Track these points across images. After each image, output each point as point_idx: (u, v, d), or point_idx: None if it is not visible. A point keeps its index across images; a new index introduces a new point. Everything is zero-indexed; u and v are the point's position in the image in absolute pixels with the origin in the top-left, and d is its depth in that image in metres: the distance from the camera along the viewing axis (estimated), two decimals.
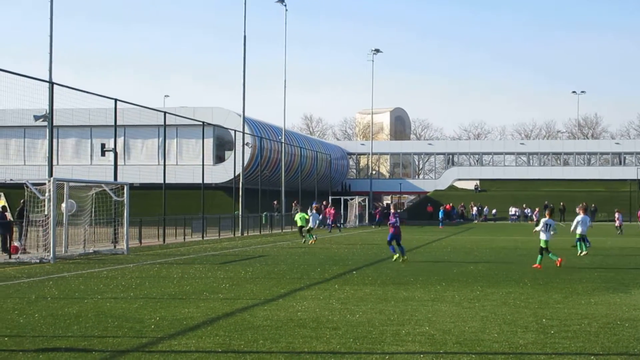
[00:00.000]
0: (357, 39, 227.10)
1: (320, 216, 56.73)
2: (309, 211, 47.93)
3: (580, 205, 36.43)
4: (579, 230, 33.42)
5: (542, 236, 28.31)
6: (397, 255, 30.23)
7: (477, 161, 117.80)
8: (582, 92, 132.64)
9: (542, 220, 28.91)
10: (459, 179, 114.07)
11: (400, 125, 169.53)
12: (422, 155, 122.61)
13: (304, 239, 44.60)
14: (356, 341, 12.58)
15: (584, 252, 32.80)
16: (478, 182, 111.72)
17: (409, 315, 15.47)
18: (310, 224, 45.57)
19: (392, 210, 33.28)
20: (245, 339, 12.73)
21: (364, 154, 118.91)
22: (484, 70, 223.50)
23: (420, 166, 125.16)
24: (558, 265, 27.43)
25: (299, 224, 46.04)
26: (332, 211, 64.21)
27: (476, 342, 12.53)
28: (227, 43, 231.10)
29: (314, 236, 44.62)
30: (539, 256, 28.05)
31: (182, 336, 12.98)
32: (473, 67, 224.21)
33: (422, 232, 61.80)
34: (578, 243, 33.43)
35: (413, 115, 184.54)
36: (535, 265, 27.54)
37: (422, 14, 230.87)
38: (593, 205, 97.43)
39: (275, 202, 65.76)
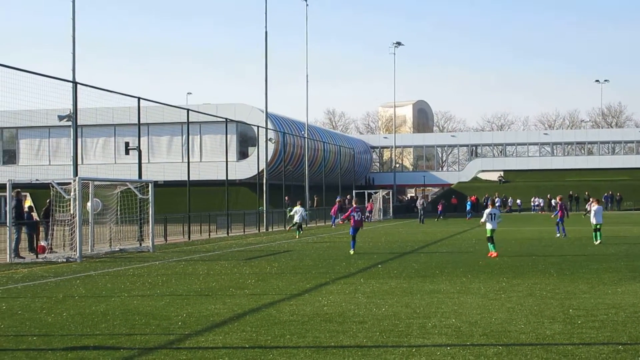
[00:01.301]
0: (379, 32, 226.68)
1: (337, 218, 57.71)
2: (298, 206, 47.56)
3: (593, 198, 38.51)
4: (593, 221, 35.53)
5: (488, 226, 29.18)
6: (353, 251, 31.03)
7: (500, 152, 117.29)
8: (606, 80, 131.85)
9: (486, 211, 29.76)
10: (483, 171, 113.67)
11: (423, 118, 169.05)
12: (446, 148, 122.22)
13: (298, 234, 45.44)
14: (382, 335, 12.59)
15: (597, 241, 34.84)
16: (502, 173, 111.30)
17: (435, 307, 15.47)
18: (296, 219, 45.92)
19: (353, 205, 33.57)
20: (271, 334, 12.77)
21: (387, 147, 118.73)
22: (506, 61, 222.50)
23: (444, 158, 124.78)
24: (490, 256, 28.03)
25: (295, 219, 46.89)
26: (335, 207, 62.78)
27: (503, 334, 12.51)
28: (249, 39, 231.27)
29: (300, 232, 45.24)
30: (490, 245, 28.84)
31: (209, 332, 13.04)
32: (495, 58, 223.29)
33: (446, 224, 61.70)
34: (594, 233, 35.59)
35: (435, 107, 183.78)
36: (490, 254, 28.37)
37: (442, 6, 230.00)
38: (618, 194, 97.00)
39: (286, 198, 65.56)
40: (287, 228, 47.87)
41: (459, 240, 39.93)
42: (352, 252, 30.97)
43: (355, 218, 31.51)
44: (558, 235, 41.14)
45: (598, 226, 35.39)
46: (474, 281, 20.20)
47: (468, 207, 79.94)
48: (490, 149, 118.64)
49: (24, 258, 30.12)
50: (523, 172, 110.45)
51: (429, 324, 13.50)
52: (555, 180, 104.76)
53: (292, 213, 47.53)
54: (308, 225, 62.74)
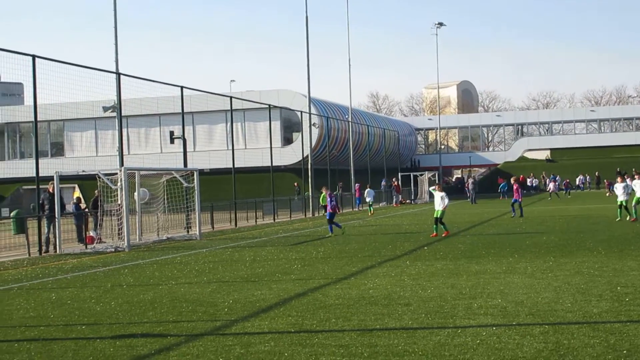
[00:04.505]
0: (420, 13, 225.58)
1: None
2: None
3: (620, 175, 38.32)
4: (620, 198, 35.34)
5: (437, 207, 30.62)
6: (332, 234, 33.50)
7: (547, 131, 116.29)
8: None
9: (437, 194, 31.20)
10: (529, 149, 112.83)
11: (468, 98, 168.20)
12: (491, 128, 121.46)
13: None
14: (428, 316, 12.57)
15: (618, 219, 35.01)
16: (549, 152, 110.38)
17: (481, 288, 15.41)
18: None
19: (325, 191, 36.68)
20: (317, 318, 12.80)
21: (432, 129, 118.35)
22: (551, 38, 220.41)
23: (490, 138, 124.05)
24: (444, 235, 29.63)
25: (323, 203, 47.73)
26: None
27: (549, 313, 12.42)
28: (290, 25, 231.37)
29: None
30: (434, 226, 30.48)
31: (255, 318, 13.11)
32: (539, 35, 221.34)
33: (492, 205, 61.33)
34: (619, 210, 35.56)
35: (480, 87, 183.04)
36: (433, 235, 30.06)
37: None
38: None
39: (340, 183, 65.66)
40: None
41: (505, 220, 39.70)
42: (329, 235, 33.32)
43: (333, 204, 34.77)
44: (513, 215, 41.42)
45: (624, 203, 35.23)
46: (520, 261, 20.09)
47: (503, 188, 77.63)
48: (537, 128, 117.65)
49: (49, 251, 29.91)
50: (570, 150, 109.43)
51: (475, 305, 13.45)
52: (603, 157, 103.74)
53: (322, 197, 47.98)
54: (353, 210, 62.76)
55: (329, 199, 35.25)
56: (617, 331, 10.87)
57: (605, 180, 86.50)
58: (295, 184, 68.14)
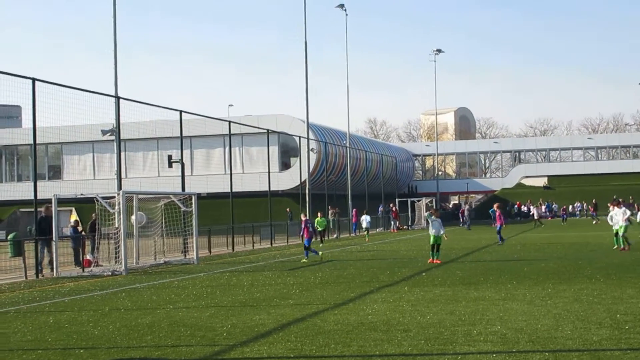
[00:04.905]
0: (418, 40, 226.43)
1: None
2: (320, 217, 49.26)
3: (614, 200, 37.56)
4: (615, 226, 34.62)
5: (433, 232, 30.50)
6: (306, 259, 33.70)
7: (544, 158, 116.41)
8: None
9: (434, 220, 31.00)
10: (527, 176, 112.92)
11: (465, 125, 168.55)
12: (488, 154, 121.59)
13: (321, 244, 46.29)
14: (427, 342, 12.54)
15: (615, 246, 34.48)
16: (546, 179, 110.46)
17: (480, 315, 15.38)
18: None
19: (303, 218, 36.60)
20: (316, 344, 12.76)
21: (429, 155, 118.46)
22: (548, 65, 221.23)
23: (487, 165, 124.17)
24: (435, 262, 29.46)
25: (320, 228, 48.37)
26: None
27: (549, 340, 12.40)
28: (289, 50, 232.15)
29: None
30: (431, 252, 30.32)
31: (254, 343, 13.06)
32: (537, 63, 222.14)
33: (488, 231, 61.26)
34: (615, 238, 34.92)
35: (477, 114, 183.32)
36: (430, 261, 29.95)
37: (482, 14, 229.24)
38: None
39: (336, 208, 65.53)
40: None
41: (503, 247, 39.64)
42: (305, 260, 33.65)
43: (309, 229, 35.25)
44: (500, 243, 41.12)
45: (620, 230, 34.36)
46: (519, 287, 20.05)
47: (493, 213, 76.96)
48: (534, 155, 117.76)
49: (44, 275, 29.59)
50: (568, 177, 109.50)
51: (474, 331, 13.41)
52: (600, 184, 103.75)
53: (318, 222, 48.36)
54: (351, 235, 62.68)
55: (303, 225, 35.71)
56: (618, 359, 10.84)
57: (590, 207, 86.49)
58: (288, 209, 68.02)
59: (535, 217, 72.04)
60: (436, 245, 30.30)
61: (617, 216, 34.47)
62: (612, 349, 11.62)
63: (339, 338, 13.20)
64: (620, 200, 37.95)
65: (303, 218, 36.86)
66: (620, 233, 34.10)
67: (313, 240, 38.33)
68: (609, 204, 36.57)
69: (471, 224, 69.26)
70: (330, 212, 61.52)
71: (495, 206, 43.53)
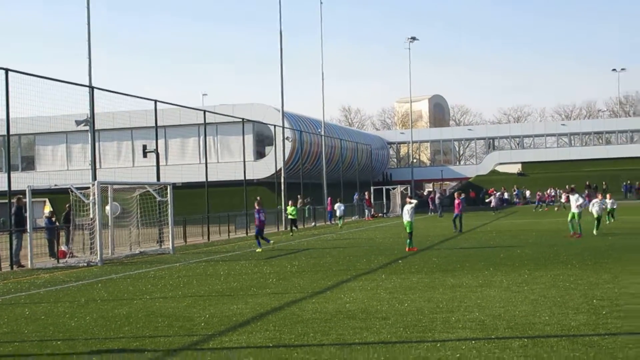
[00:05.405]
0: (393, 28, 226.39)
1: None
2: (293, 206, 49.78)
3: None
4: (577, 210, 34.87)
5: (407, 218, 30.56)
6: (261, 249, 33.58)
7: (518, 144, 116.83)
8: (622, 69, 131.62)
9: (405, 207, 31.28)
10: (501, 163, 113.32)
11: (439, 112, 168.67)
12: (463, 141, 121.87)
13: (291, 234, 46.85)
14: (406, 330, 12.55)
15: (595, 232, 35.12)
16: (520, 165, 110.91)
17: (458, 302, 15.42)
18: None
19: (256, 207, 35.33)
20: (295, 332, 12.75)
21: (404, 142, 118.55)
22: (521, 52, 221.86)
23: (461, 152, 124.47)
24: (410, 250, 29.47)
25: (290, 217, 48.80)
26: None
27: (527, 326, 12.44)
28: (264, 39, 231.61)
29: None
30: (408, 240, 30.30)
31: (232, 332, 13.03)
32: (510, 49, 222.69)
33: (465, 217, 61.40)
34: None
35: (451, 101, 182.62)
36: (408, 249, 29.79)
37: (456, 1, 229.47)
38: (638, 183, 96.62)
39: (308, 198, 65.26)
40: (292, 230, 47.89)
41: (478, 233, 39.80)
42: (259, 250, 33.43)
43: (261, 219, 34.62)
44: (454, 230, 41.19)
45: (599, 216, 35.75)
46: (496, 274, 20.13)
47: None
48: (508, 142, 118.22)
49: (24, 266, 29.41)
50: (541, 163, 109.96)
51: (453, 318, 13.45)
52: (573, 170, 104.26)
53: (289, 211, 48.72)
54: (326, 223, 62.69)
55: (256, 214, 34.91)
56: (596, 344, 10.90)
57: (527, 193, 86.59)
58: (258, 197, 67.84)
59: (492, 205, 70.63)
60: (257, 236, 31.22)
61: (571, 203, 35.10)
62: (590, 334, 11.68)
63: (317, 327, 13.19)
64: (573, 187, 38.61)
65: (257, 207, 35.44)
66: (576, 220, 34.67)
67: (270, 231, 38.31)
68: (562, 192, 37.22)
69: (443, 211, 69.35)
70: (299, 201, 61.49)
71: (455, 194, 43.82)
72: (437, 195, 75.67)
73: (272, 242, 35.14)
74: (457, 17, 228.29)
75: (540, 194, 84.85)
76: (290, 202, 50.38)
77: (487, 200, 74.41)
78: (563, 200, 35.98)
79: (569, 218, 35.03)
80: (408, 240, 30.31)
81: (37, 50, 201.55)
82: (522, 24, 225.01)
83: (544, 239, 33.20)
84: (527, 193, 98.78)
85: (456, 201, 42.30)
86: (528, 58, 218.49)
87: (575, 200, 34.75)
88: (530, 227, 43.22)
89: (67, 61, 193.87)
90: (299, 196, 63.04)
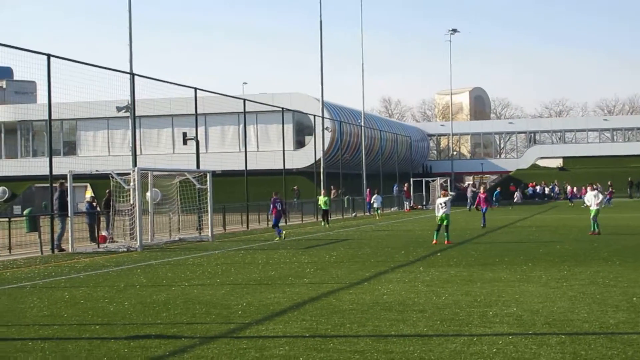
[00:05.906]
0: (434, 19, 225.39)
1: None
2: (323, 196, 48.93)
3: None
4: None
5: (438, 213, 30.46)
6: (280, 237, 34.03)
7: (559, 139, 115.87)
8: None
9: (437, 201, 31.54)
10: (542, 157, 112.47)
11: (480, 105, 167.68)
12: (503, 135, 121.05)
13: (324, 224, 46.02)
14: (443, 323, 12.51)
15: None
16: (561, 160, 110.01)
17: (495, 296, 15.34)
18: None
19: (273, 196, 35.66)
20: (331, 323, 12.75)
21: (444, 134, 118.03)
22: (564, 46, 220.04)
23: (502, 145, 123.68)
24: (446, 243, 29.24)
25: (324, 207, 47.53)
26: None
27: (565, 323, 12.35)
28: (305, 28, 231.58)
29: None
30: (435, 232, 30.32)
31: (269, 321, 13.06)
32: (552, 43, 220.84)
33: (505, 212, 61.14)
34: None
35: (492, 94, 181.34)
36: (434, 242, 29.67)
37: None
38: None
39: (332, 187, 64.78)
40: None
41: (518, 228, 39.57)
42: (278, 239, 33.75)
43: (278, 208, 34.75)
44: (483, 225, 40.08)
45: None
46: (534, 269, 20.00)
47: (496, 196, 72.63)
48: (549, 136, 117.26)
49: (65, 250, 29.76)
50: (583, 158, 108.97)
51: (490, 313, 13.38)
52: (615, 166, 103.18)
53: (321, 202, 48.34)
54: (365, 214, 62.63)
55: (272, 204, 35.11)
56: (635, 343, 10.79)
57: (568, 188, 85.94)
58: (295, 187, 67.73)
59: (514, 200, 70.55)
60: (447, 226, 30.25)
61: (590, 200, 34.60)
62: (629, 332, 11.57)
63: (354, 318, 13.19)
64: (593, 184, 37.86)
65: (274, 196, 35.85)
66: (592, 216, 33.99)
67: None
68: (582, 188, 36.45)
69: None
70: (332, 192, 61.47)
71: (481, 188, 43.52)
72: (470, 188, 75.09)
73: (283, 233, 35.03)
74: (498, 11, 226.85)
75: (571, 189, 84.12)
76: (323, 192, 50.14)
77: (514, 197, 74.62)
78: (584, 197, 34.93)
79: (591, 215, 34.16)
80: (435, 232, 30.21)
81: (78, 34, 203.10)
82: (565, 18, 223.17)
83: (585, 235, 32.88)
84: (568, 188, 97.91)
85: (481, 196, 41.84)
86: (570, 52, 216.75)
87: (594, 197, 34.12)
88: (571, 223, 42.86)
89: (108, 44, 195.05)
90: (332, 187, 63.04)
